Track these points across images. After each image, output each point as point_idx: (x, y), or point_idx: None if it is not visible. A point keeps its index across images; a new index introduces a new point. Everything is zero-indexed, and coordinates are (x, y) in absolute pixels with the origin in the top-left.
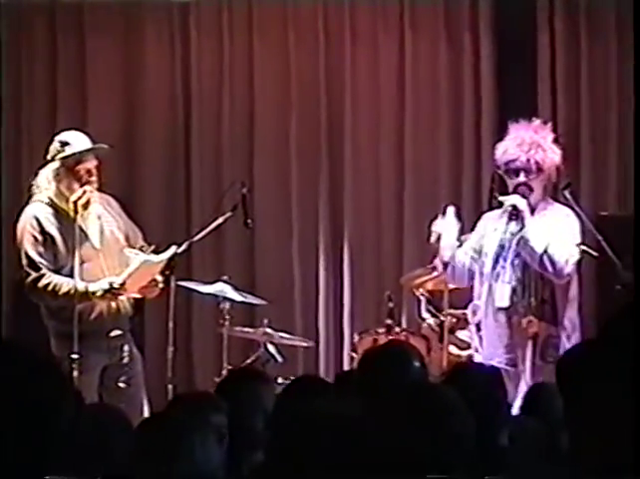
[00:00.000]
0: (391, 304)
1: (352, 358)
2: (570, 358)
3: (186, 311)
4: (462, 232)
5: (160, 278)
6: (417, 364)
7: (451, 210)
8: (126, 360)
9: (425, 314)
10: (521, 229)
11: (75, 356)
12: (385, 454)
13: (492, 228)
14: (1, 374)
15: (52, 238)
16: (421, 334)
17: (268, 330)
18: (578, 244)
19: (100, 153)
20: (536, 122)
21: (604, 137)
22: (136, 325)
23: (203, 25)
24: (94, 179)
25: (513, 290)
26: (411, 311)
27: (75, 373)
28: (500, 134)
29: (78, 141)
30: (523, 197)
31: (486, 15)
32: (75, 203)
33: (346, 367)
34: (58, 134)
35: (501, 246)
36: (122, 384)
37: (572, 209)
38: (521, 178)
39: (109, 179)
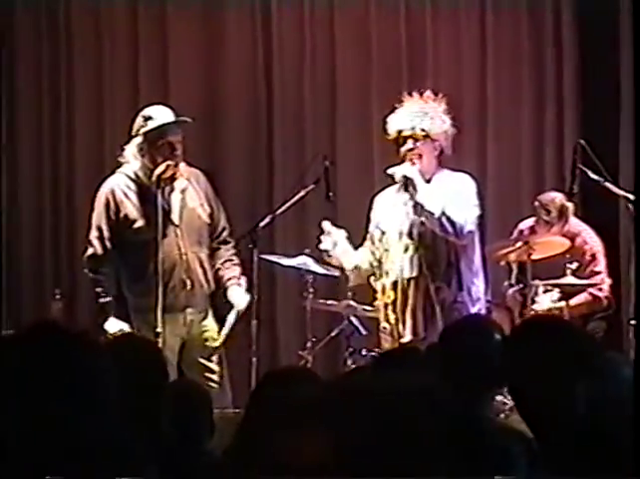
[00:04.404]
0: None
1: None
2: None
3: (270, 285)
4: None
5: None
6: (497, 336)
7: (326, 223)
8: (206, 334)
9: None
10: (415, 195)
11: (159, 330)
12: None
13: (391, 204)
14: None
15: (129, 209)
16: (504, 306)
17: (352, 303)
18: None
19: (183, 126)
20: (427, 92)
21: None
22: (217, 299)
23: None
24: (178, 152)
25: (420, 258)
26: (494, 283)
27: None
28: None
29: (161, 114)
30: (413, 163)
31: None
32: (158, 177)
33: None
34: (142, 110)
35: (403, 219)
36: (202, 359)
37: None
38: (409, 144)
39: (191, 153)
